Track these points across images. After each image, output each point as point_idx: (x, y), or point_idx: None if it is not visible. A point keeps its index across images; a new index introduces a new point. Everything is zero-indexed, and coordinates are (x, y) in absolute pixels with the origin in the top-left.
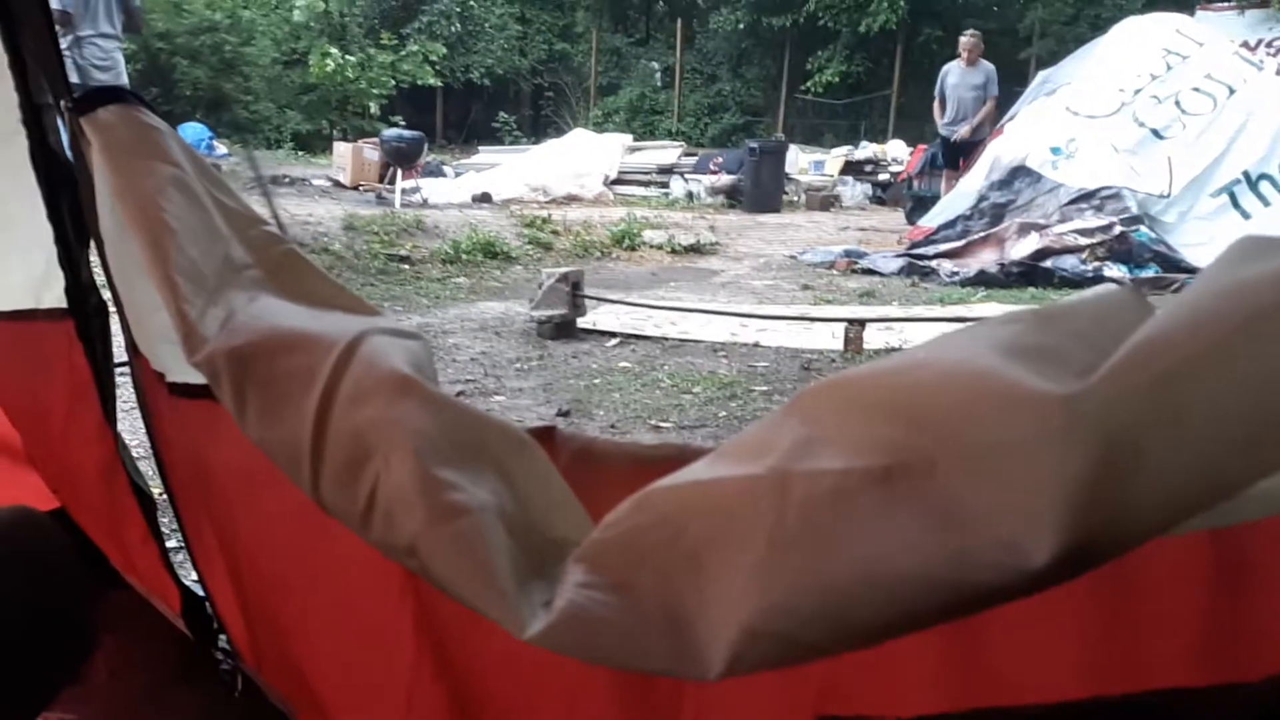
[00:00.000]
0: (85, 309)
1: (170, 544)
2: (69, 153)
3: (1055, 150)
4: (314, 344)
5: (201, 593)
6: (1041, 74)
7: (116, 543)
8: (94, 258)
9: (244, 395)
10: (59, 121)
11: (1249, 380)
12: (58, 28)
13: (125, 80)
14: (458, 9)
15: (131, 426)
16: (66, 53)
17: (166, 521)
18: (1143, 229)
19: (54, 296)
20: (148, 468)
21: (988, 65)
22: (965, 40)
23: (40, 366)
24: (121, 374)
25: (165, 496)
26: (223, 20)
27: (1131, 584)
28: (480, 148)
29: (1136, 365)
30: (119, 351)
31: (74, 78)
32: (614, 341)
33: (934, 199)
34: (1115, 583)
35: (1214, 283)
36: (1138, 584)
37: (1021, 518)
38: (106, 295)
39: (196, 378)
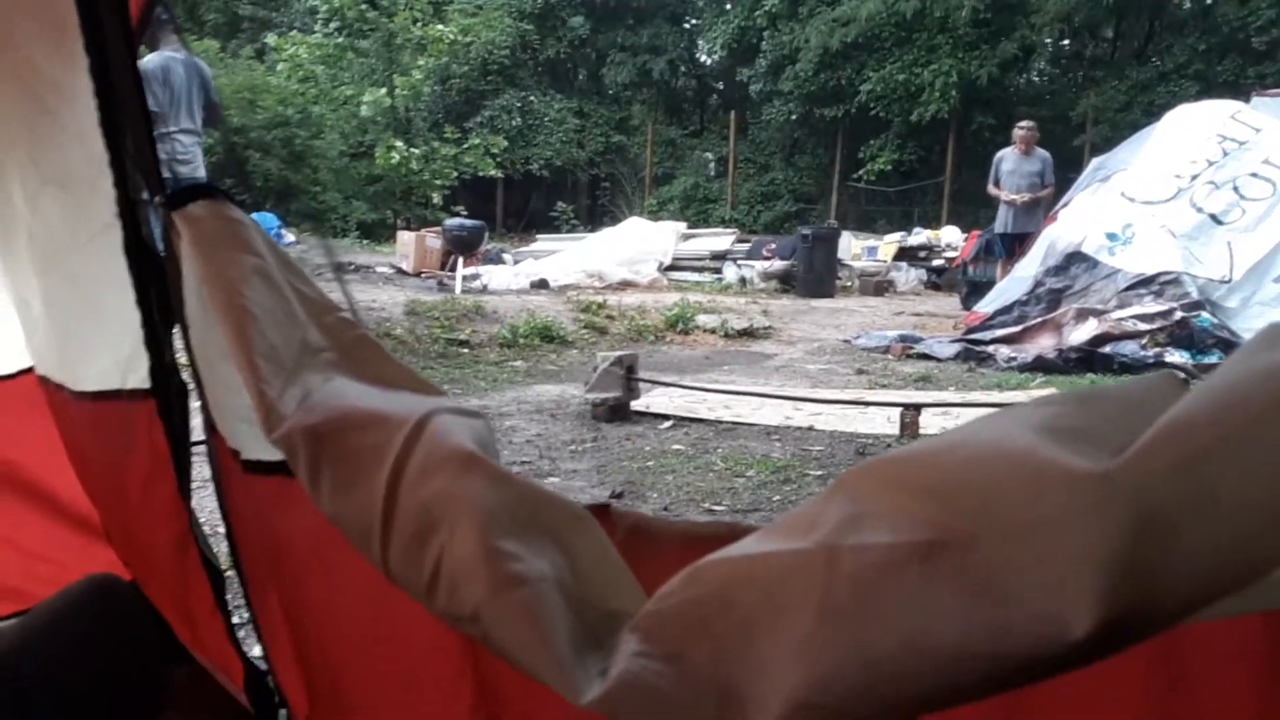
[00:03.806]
0: (167, 389)
1: (235, 620)
2: (159, 244)
3: (1111, 236)
4: (385, 422)
5: (264, 666)
6: (1095, 160)
7: (184, 616)
8: (177, 341)
9: (319, 471)
10: (150, 215)
11: (1268, 465)
12: None
13: (203, 173)
14: (518, 104)
15: (203, 503)
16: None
17: (232, 597)
18: (1204, 315)
19: (138, 378)
20: (218, 544)
21: (1043, 153)
22: (1021, 132)
23: (122, 444)
24: (196, 453)
25: (234, 571)
26: (294, 115)
27: (1185, 669)
28: (538, 236)
29: (1165, 446)
30: (195, 431)
31: (166, 171)
32: (667, 424)
33: (989, 284)
34: (1169, 668)
35: (1240, 367)
36: (1191, 669)
37: (1060, 591)
38: (186, 377)
39: (270, 455)
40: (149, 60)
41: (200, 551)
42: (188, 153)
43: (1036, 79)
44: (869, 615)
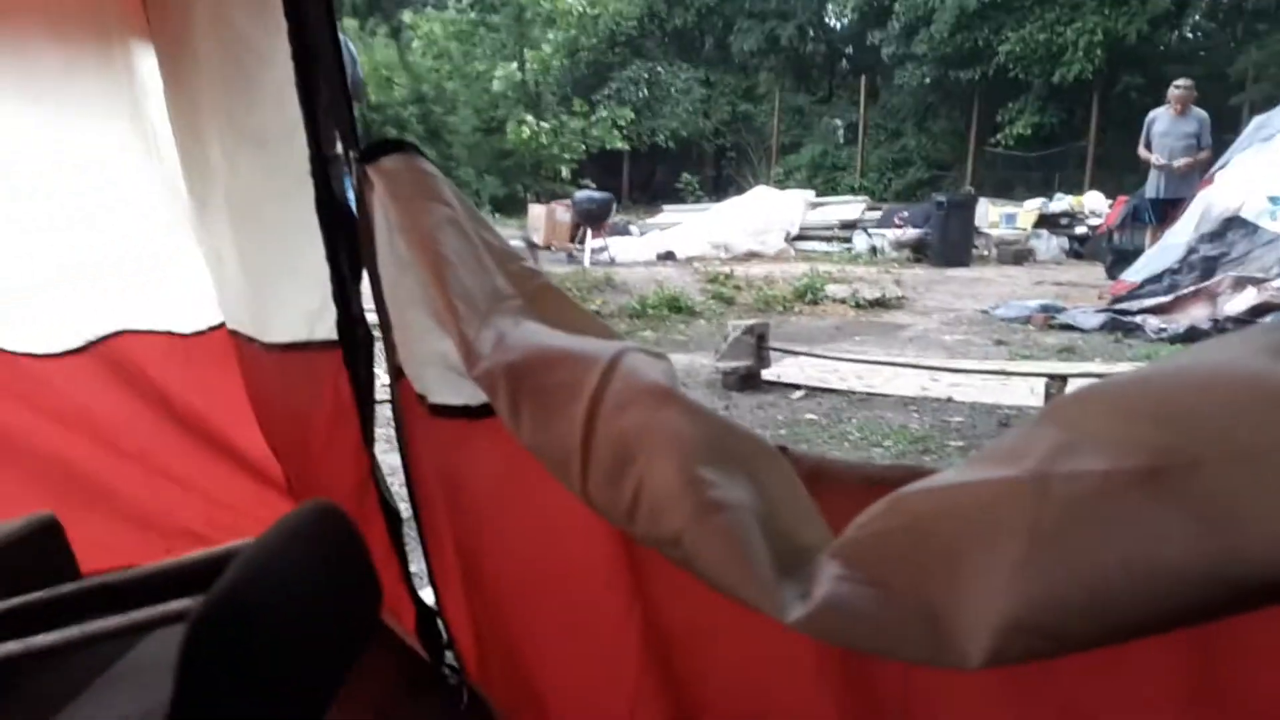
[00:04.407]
0: (354, 339)
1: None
2: (349, 198)
3: (1274, 200)
4: (578, 360)
5: (435, 609)
6: (1257, 119)
7: None
8: (363, 294)
9: (519, 405)
10: (341, 170)
11: None
12: None
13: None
14: (645, 75)
15: (383, 457)
16: None
17: (407, 544)
18: None
19: (325, 329)
20: (397, 490)
21: (1200, 113)
22: (1177, 92)
23: (308, 393)
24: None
25: (411, 518)
26: (429, 92)
27: None
28: (664, 207)
29: None
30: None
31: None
32: (799, 394)
33: (1136, 253)
34: None
35: None
36: None
37: None
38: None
39: (455, 399)
40: None
41: (380, 494)
42: None
43: (1190, 35)
44: (1084, 540)
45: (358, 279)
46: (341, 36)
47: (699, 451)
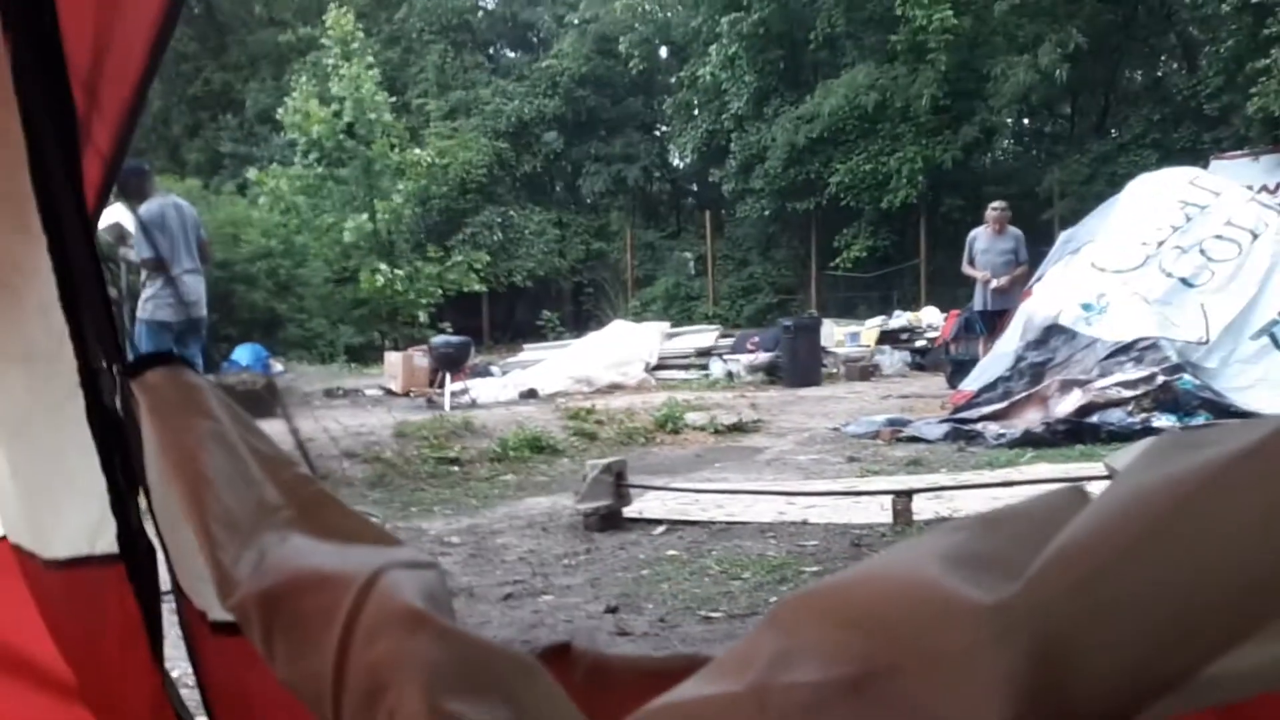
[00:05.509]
0: (135, 552)
1: None
2: (120, 410)
3: (1086, 306)
4: (335, 582)
5: None
6: (1064, 234)
7: None
8: (143, 504)
9: (272, 637)
10: (112, 382)
11: (1162, 580)
12: (153, 273)
13: (204, 311)
14: (498, 219)
15: (177, 658)
16: (165, 290)
17: None
18: (1186, 377)
19: (106, 543)
20: (192, 701)
21: (1016, 231)
22: (993, 214)
23: (94, 610)
24: (166, 604)
25: None
26: (277, 246)
27: None
28: (525, 346)
29: (1061, 569)
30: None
31: (174, 314)
32: (661, 529)
33: (972, 362)
34: None
35: (1131, 481)
36: None
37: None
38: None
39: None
40: (146, 208)
41: (175, 711)
42: (194, 292)
43: (1000, 158)
44: None
45: (135, 490)
46: (180, 200)
47: (448, 680)
